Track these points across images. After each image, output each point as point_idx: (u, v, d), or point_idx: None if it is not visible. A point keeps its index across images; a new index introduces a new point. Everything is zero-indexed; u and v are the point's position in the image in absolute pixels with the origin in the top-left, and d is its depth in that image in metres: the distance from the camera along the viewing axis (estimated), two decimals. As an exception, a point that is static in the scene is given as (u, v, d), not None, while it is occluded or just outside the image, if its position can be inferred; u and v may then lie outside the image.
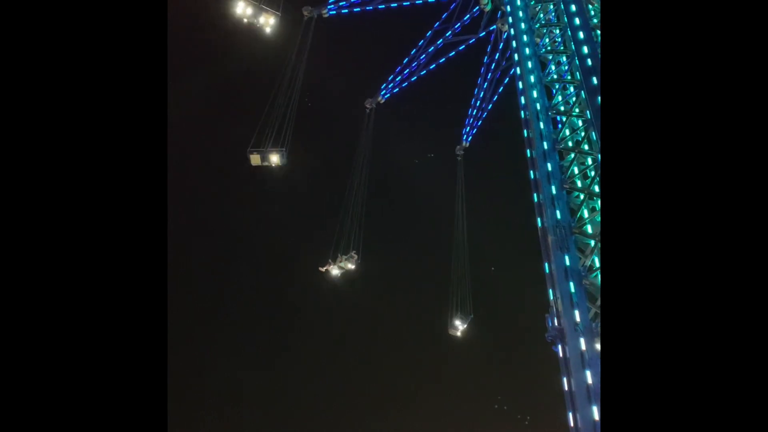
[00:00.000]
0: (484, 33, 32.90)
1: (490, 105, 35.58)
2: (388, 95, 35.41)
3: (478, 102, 35.42)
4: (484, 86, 34.90)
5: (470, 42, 33.19)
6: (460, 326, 33.60)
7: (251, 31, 29.34)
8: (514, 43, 25.25)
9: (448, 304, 33.71)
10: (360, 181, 32.40)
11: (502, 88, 34.74)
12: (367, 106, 35.29)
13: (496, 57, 33.63)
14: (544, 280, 19.72)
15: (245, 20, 28.95)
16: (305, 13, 31.29)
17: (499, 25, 31.74)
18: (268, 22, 29.12)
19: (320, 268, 30.48)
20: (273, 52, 31.29)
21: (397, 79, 34.63)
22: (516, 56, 24.81)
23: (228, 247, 45.07)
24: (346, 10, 31.86)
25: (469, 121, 36.69)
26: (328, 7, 31.64)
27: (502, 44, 32.77)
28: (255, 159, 28.28)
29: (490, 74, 34.15)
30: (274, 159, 28.27)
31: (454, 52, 33.37)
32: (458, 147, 37.45)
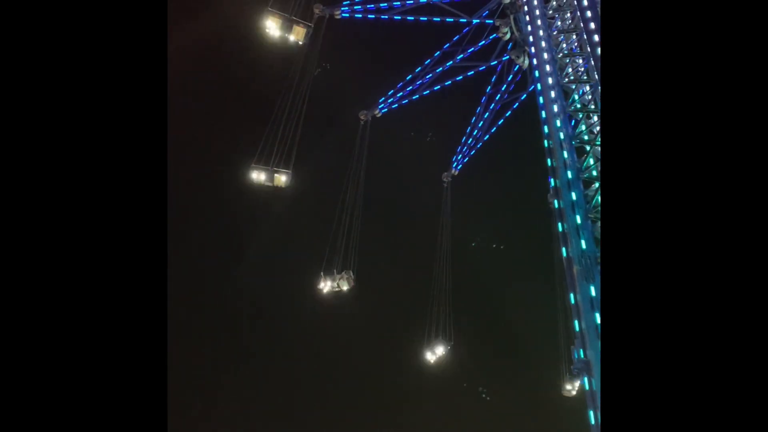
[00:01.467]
0: (496, 62, 32.81)
1: (487, 136, 35.53)
2: (386, 110, 34.52)
3: (476, 131, 35.27)
4: (485, 116, 34.74)
5: (480, 69, 33.13)
6: (432, 354, 32.37)
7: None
8: (536, 73, 25.13)
9: (425, 329, 32.77)
10: (354, 196, 31.30)
11: (502, 120, 34.82)
12: (362, 117, 33.55)
13: (502, 88, 33.58)
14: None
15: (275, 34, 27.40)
16: (316, 11, 29.86)
17: (513, 56, 31.70)
18: (300, 34, 27.66)
19: (317, 287, 29.11)
20: (279, 55, 30.28)
21: (398, 95, 33.84)
22: (539, 86, 24.64)
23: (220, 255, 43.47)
24: (360, 15, 30.89)
25: (462, 149, 36.46)
26: (342, 8, 30.58)
27: (510, 76, 32.80)
28: (258, 176, 26.88)
29: (492, 104, 34.10)
30: (283, 179, 26.93)
31: (461, 77, 33.16)
32: (445, 174, 36.82)
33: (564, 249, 20.36)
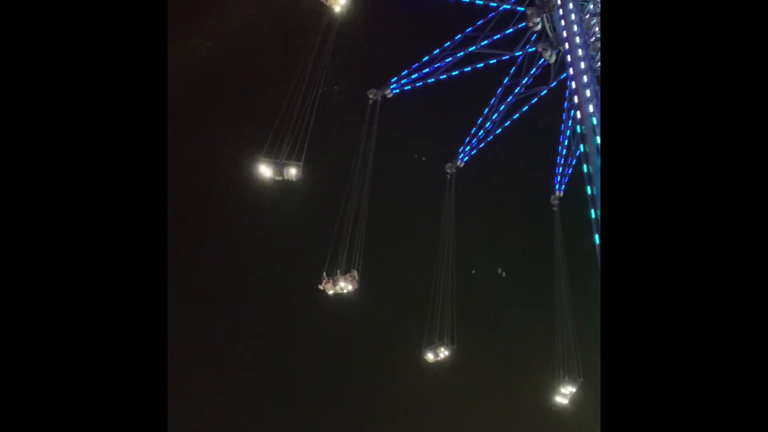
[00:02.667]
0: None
1: (499, 130, 34.01)
2: (398, 90, 32.24)
3: (488, 123, 33.71)
4: (500, 108, 33.33)
5: (503, 58, 31.59)
6: (434, 355, 30.67)
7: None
8: (568, 57, 24.08)
9: (427, 331, 30.88)
10: (360, 188, 29.11)
11: (517, 115, 33.39)
12: (371, 96, 31.10)
13: (523, 81, 32.25)
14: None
15: None
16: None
17: (540, 48, 30.24)
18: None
19: (319, 286, 26.83)
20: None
21: (413, 77, 31.87)
22: (571, 70, 23.75)
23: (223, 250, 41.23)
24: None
25: (470, 140, 34.78)
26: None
27: (534, 69, 31.66)
28: (265, 169, 24.91)
29: (510, 97, 32.68)
30: (293, 172, 24.86)
31: (482, 64, 31.39)
32: (449, 165, 34.85)
33: (596, 236, 19.55)
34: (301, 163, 25.01)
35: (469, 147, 34.71)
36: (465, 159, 34.94)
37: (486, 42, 30.29)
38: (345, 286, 26.38)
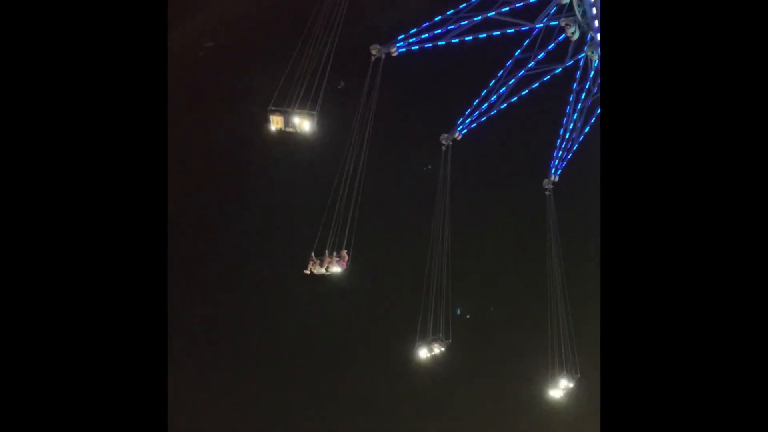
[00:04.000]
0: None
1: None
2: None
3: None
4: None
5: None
6: (425, 352, 29.03)
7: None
8: (599, 36, 22.52)
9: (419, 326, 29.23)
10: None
11: (527, 91, 31.52)
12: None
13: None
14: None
15: None
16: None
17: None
18: None
19: (305, 271, 24.82)
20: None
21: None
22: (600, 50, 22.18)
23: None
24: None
25: (471, 112, 32.82)
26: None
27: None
28: (277, 121, 22.57)
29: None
30: (306, 125, 22.65)
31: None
32: (445, 136, 32.76)
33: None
34: (315, 113, 22.95)
35: (469, 120, 32.92)
36: (463, 132, 33.16)
37: (506, 9, 28.29)
38: (334, 266, 24.53)
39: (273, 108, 22.86)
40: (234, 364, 38.41)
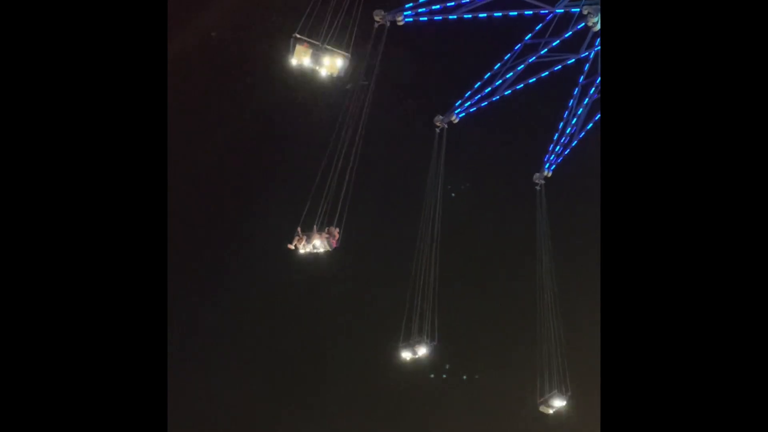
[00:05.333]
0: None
1: (509, 91, 30.13)
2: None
3: (499, 80, 29.66)
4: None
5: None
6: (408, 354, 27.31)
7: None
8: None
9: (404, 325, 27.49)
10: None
11: (534, 80, 29.51)
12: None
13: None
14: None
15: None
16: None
17: (585, 11, 26.12)
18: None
19: (289, 246, 22.54)
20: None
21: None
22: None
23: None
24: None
25: (472, 95, 30.57)
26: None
27: (569, 33, 27.45)
28: (302, 53, 20.06)
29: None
30: (337, 64, 20.38)
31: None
32: (440, 118, 30.55)
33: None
34: (349, 54, 20.47)
35: (469, 103, 30.75)
36: (461, 115, 31.02)
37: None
38: (322, 244, 22.18)
39: (299, 36, 20.34)
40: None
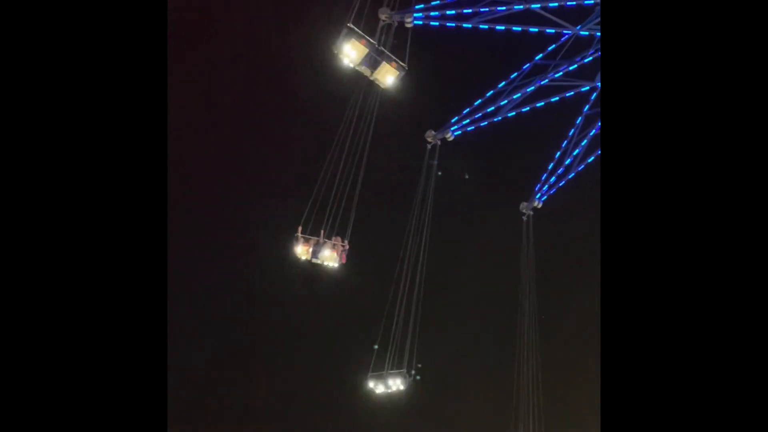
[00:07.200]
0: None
1: (513, 113, 27.81)
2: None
3: (504, 100, 27.31)
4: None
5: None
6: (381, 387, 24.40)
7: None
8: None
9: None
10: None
11: (542, 104, 27.35)
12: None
13: (567, 68, 26.44)
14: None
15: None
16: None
17: None
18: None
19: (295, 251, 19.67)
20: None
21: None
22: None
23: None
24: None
25: (470, 113, 28.12)
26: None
27: (591, 55, 25.54)
28: (356, 49, 18.50)
29: (546, 80, 26.56)
30: (392, 73, 19.26)
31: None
32: (432, 134, 28.31)
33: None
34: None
35: (467, 120, 28.26)
36: (456, 133, 28.50)
37: (554, 5, 23.88)
38: (331, 256, 18.95)
39: (353, 27, 17.65)
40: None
